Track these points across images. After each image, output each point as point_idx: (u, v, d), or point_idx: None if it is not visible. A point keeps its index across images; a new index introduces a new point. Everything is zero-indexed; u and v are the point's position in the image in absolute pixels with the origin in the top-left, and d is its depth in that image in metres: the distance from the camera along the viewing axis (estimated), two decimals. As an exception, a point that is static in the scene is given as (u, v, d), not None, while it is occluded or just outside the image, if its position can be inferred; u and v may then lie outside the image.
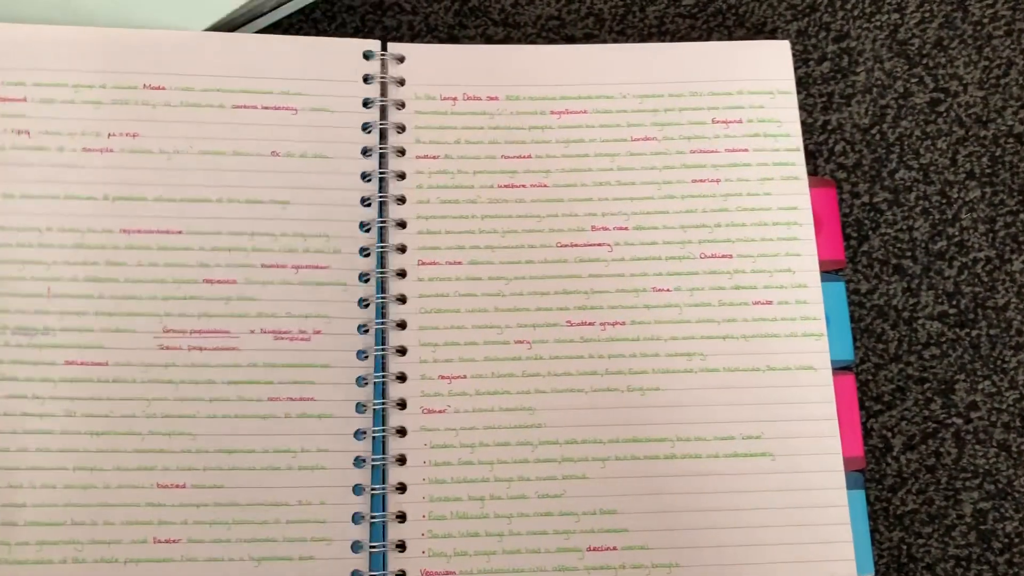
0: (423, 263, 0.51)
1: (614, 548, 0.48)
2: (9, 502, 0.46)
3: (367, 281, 0.50)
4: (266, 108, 0.52)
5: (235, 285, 0.50)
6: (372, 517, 0.47)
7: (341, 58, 0.53)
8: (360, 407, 0.49)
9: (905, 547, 0.53)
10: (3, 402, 0.47)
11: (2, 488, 0.46)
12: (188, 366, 0.48)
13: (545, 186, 0.52)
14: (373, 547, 0.47)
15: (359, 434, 0.48)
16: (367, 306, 0.50)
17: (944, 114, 0.58)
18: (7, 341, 0.48)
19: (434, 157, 0.52)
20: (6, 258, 0.49)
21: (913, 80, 0.58)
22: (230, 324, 0.49)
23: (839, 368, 0.51)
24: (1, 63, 0.51)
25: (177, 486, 0.47)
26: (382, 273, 0.50)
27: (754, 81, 0.54)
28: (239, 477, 0.47)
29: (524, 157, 0.53)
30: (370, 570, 0.47)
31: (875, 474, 0.53)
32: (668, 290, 0.51)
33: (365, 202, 0.51)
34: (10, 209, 0.49)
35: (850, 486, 0.49)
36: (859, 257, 0.56)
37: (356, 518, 0.47)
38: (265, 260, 0.50)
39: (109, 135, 0.51)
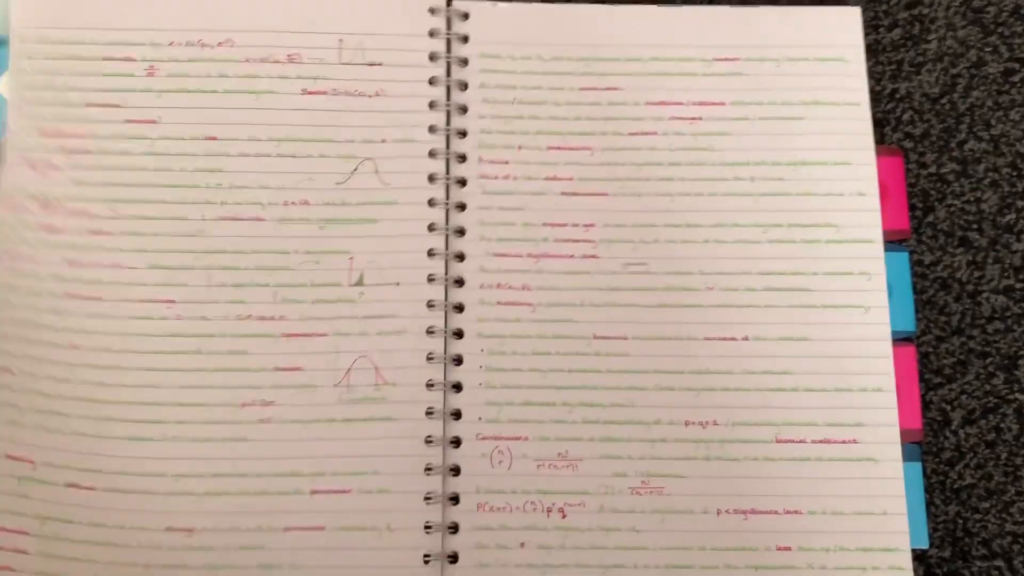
0: (485, 223, 0.51)
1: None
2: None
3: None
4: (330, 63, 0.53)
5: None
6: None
7: (408, 12, 0.53)
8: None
9: (961, 521, 0.52)
10: None
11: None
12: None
13: (590, 149, 0.52)
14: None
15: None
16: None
17: (1018, 84, 0.56)
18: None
19: (495, 117, 0.52)
20: None
21: (987, 49, 0.57)
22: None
23: (900, 339, 0.50)
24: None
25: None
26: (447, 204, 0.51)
27: (823, 47, 0.53)
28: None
29: (586, 119, 0.52)
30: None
31: (932, 447, 0.53)
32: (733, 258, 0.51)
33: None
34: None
35: (907, 458, 0.49)
36: (924, 228, 0.55)
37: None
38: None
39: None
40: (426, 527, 0.47)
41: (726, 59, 0.53)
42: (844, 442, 0.49)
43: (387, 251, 0.50)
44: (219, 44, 0.52)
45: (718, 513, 0.48)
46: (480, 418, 0.49)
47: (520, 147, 0.52)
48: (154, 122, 0.51)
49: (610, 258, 0.51)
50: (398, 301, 0.50)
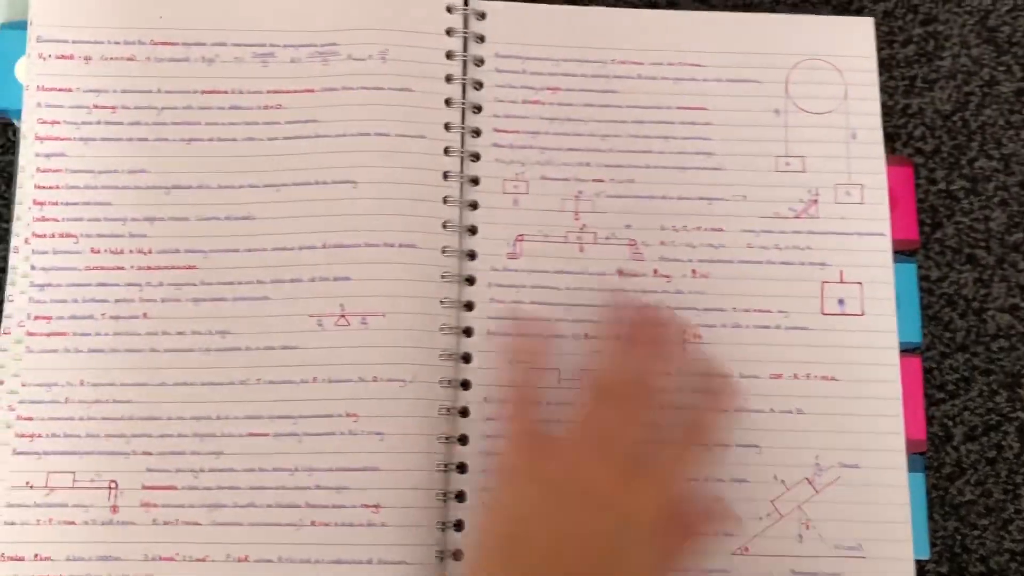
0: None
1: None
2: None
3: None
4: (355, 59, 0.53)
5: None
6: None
7: (424, 10, 0.53)
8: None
9: (959, 537, 0.52)
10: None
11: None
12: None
13: (611, 151, 0.52)
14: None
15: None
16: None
17: (1030, 104, 0.57)
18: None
19: (509, 117, 0.53)
20: None
21: (1000, 68, 0.57)
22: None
23: (906, 350, 0.50)
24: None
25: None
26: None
27: (835, 57, 0.54)
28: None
29: (595, 121, 0.53)
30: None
31: (933, 462, 0.53)
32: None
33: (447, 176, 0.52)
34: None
35: (910, 468, 0.48)
36: (932, 244, 0.55)
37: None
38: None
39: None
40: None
41: (734, 66, 0.53)
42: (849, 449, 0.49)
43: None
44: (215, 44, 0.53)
45: None
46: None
47: (532, 147, 0.52)
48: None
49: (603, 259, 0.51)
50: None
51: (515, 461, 0.46)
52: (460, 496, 0.48)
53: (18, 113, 0.52)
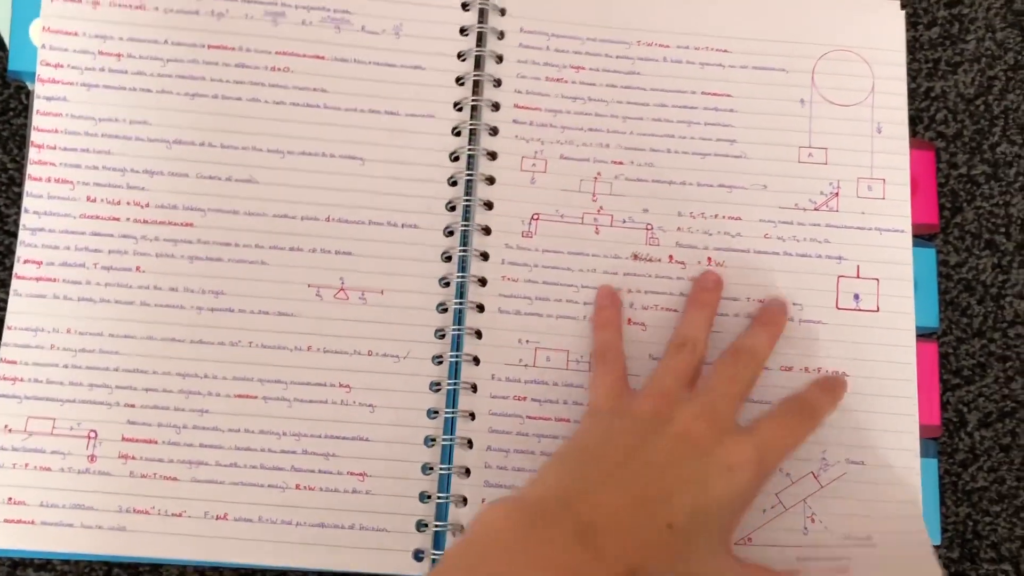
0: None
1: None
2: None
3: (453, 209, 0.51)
4: (368, 32, 0.52)
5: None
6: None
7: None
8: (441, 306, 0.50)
9: (971, 524, 0.52)
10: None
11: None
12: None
13: (632, 133, 0.52)
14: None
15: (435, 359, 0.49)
16: (453, 208, 0.51)
17: (1054, 90, 0.56)
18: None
19: (530, 93, 0.52)
20: None
21: (1025, 52, 0.57)
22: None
23: (922, 335, 0.50)
24: None
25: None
26: (466, 225, 0.51)
27: (864, 49, 0.53)
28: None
29: (617, 103, 0.52)
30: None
31: (947, 448, 0.53)
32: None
33: (455, 131, 0.52)
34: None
35: (924, 453, 0.48)
36: (951, 228, 0.55)
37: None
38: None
39: None
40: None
41: (762, 53, 0.53)
42: (856, 446, 0.49)
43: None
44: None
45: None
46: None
47: (553, 125, 0.51)
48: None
49: (619, 243, 0.51)
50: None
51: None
52: (468, 472, 0.48)
53: (31, 76, 0.51)
